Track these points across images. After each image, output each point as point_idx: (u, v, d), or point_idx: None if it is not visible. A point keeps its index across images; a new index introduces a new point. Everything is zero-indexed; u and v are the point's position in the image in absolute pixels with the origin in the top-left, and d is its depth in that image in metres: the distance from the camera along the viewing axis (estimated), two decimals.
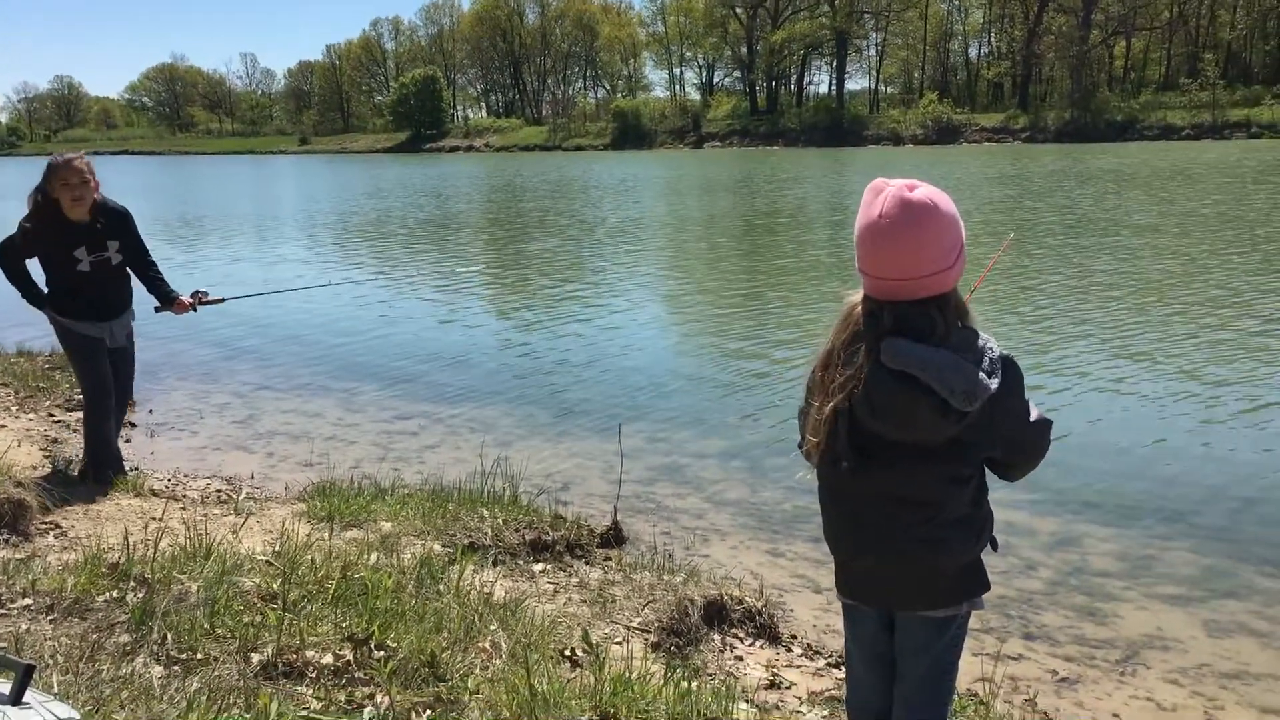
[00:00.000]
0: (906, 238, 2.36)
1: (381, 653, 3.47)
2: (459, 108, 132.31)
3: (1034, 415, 2.51)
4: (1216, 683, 4.47)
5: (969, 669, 4.34)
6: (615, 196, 37.24)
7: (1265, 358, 10.00)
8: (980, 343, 2.41)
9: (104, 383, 6.29)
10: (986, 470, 2.58)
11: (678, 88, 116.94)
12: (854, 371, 2.40)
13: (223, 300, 7.02)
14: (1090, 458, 7.32)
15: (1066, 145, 67.30)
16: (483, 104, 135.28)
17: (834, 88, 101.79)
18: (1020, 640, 4.87)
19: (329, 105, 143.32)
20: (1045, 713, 4.19)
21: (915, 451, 2.43)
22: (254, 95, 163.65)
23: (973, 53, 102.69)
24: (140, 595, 3.82)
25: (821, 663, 4.49)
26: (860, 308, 2.47)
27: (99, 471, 6.30)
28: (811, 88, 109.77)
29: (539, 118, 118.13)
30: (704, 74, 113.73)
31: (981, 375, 2.35)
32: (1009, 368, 2.43)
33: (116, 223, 6.23)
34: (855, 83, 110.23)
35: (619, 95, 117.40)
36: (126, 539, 4.38)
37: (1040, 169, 43.99)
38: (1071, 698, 4.36)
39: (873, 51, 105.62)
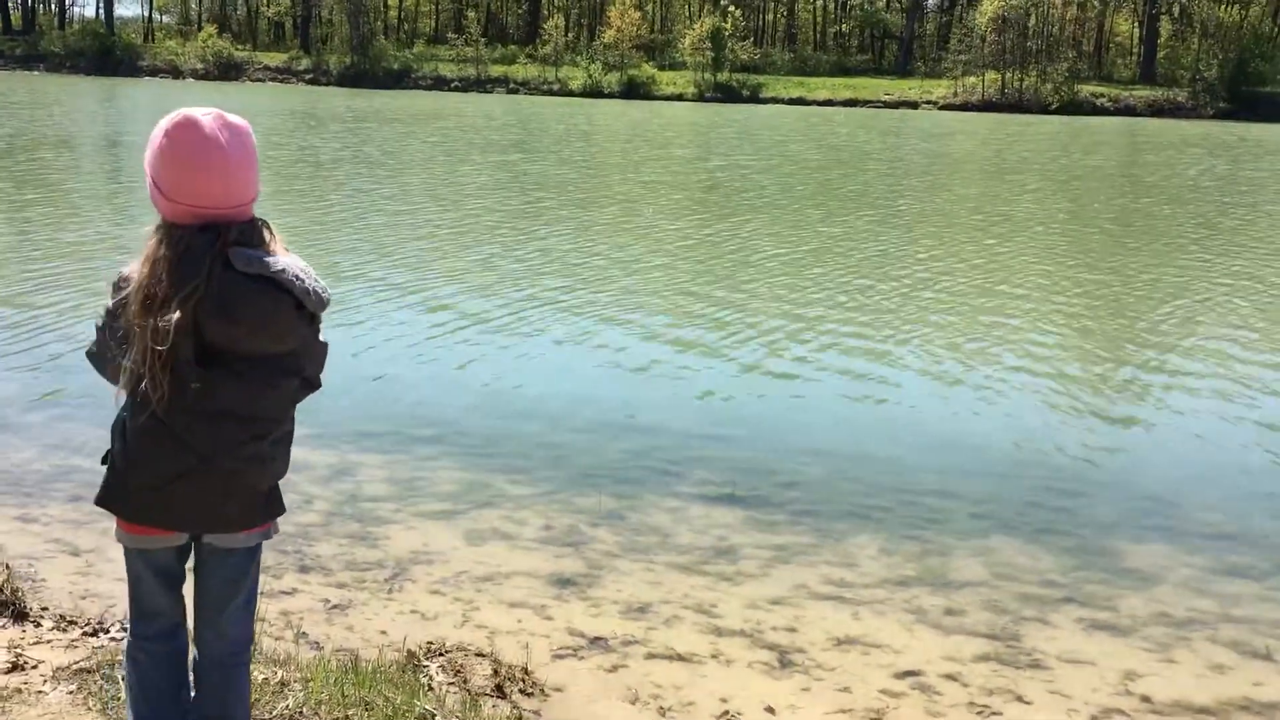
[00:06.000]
0: (242, 165, 2.42)
1: None
2: None
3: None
4: (473, 586, 4.86)
5: None
6: None
7: (524, 279, 11.08)
8: (300, 260, 2.51)
9: None
10: None
11: None
12: (198, 283, 2.32)
13: None
14: (364, 387, 7.57)
15: (349, 89, 68.54)
16: None
17: (101, 11, 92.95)
18: (295, 574, 4.88)
19: None
20: (316, 641, 4.25)
21: (262, 365, 2.43)
22: None
23: None
24: None
25: (77, 633, 4.11)
26: (176, 233, 2.38)
27: None
28: (77, 10, 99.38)
29: None
30: None
31: (324, 282, 2.49)
32: None
33: None
34: (126, 8, 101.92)
35: None
36: None
37: (304, 108, 44.49)
38: (343, 622, 4.47)
39: None
